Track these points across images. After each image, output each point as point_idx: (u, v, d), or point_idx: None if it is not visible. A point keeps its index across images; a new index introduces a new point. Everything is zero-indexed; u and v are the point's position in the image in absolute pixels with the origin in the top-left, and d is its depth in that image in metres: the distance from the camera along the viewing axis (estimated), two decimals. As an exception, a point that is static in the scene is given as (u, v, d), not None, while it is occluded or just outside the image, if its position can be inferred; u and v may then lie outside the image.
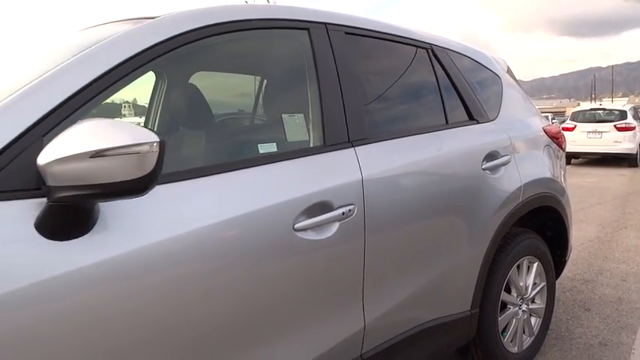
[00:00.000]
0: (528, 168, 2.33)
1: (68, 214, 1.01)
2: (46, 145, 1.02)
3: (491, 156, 2.12)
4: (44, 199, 1.01)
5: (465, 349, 2.25)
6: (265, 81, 1.67)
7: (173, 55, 1.31)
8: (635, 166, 11.52)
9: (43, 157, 0.96)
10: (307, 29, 1.67)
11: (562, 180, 2.63)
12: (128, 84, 1.23)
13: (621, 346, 2.67)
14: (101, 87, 1.17)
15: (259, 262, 1.32)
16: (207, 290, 1.22)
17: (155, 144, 0.95)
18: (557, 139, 2.69)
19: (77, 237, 1.03)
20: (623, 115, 11.77)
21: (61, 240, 1.01)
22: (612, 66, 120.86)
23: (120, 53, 1.22)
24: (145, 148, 0.94)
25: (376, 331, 1.67)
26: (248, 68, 1.63)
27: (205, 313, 1.22)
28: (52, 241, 1.01)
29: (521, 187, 2.23)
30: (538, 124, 2.61)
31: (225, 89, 1.71)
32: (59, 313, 1.01)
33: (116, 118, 1.02)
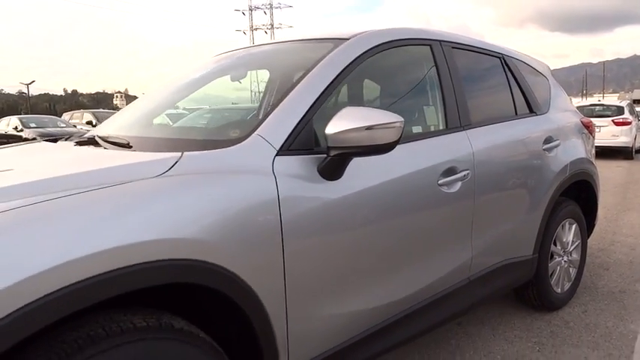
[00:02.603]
0: (572, 150, 3.01)
1: (337, 164, 1.66)
2: (314, 123, 1.69)
3: (547, 140, 2.80)
4: (316, 155, 1.66)
5: (522, 290, 2.94)
6: (410, 80, 2.34)
7: (367, 62, 1.96)
8: (631, 158, 12.32)
9: (330, 129, 1.60)
10: (430, 45, 2.33)
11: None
12: (346, 83, 1.88)
13: (636, 293, 3.38)
14: (330, 91, 1.82)
15: (421, 204, 1.99)
16: (400, 214, 1.90)
17: (402, 122, 1.60)
18: (588, 127, 3.38)
19: (337, 179, 1.68)
20: (620, 110, 12.54)
21: (331, 180, 1.67)
22: (603, 62, 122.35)
23: (339, 66, 1.87)
24: (398, 124, 1.59)
25: (478, 261, 2.35)
26: (402, 71, 2.29)
27: (395, 229, 1.89)
28: (327, 180, 1.66)
29: (567, 164, 2.91)
30: (576, 115, 3.30)
31: (388, 85, 2.37)
32: (333, 224, 1.66)
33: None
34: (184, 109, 2.50)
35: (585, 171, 3.13)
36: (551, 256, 2.97)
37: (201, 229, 1.35)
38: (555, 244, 2.99)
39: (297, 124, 1.67)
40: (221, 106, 2.55)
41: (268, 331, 1.51)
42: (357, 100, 2.22)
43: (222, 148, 1.55)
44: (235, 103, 2.80)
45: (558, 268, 3.04)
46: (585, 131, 3.32)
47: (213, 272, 1.37)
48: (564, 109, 3.21)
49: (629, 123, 12.21)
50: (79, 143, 1.94)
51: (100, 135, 1.98)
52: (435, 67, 2.31)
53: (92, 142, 1.93)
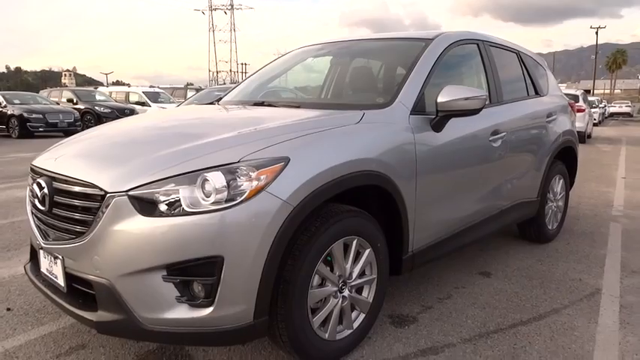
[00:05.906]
0: (562, 123, 4.07)
1: (442, 122, 2.59)
2: (426, 96, 2.62)
3: (549, 114, 3.84)
4: (427, 116, 2.59)
5: (525, 225, 3.99)
6: (467, 67, 3.31)
7: (449, 53, 2.90)
8: (584, 142, 13.87)
9: (440, 99, 2.52)
10: (477, 44, 3.30)
11: (575, 132, 4.40)
12: (435, 72, 2.80)
13: (601, 233, 4.52)
14: (431, 74, 2.74)
15: (481, 152, 2.97)
16: (471, 157, 2.86)
17: (486, 95, 2.55)
18: (572, 107, 4.46)
19: (440, 131, 2.62)
20: (575, 98, 14.03)
21: (437, 132, 2.60)
22: (553, 53, 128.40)
23: (433, 57, 2.80)
24: (484, 97, 2.54)
25: (507, 197, 3.36)
26: (463, 61, 3.24)
27: (469, 166, 2.86)
28: (435, 132, 2.59)
29: (560, 133, 3.97)
30: (564, 98, 4.37)
31: (455, 70, 3.30)
32: (439, 160, 2.60)
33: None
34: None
35: (571, 139, 4.21)
36: (547, 201, 4.03)
37: (380, 154, 2.27)
38: (549, 193, 4.06)
39: (417, 95, 2.60)
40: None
41: (406, 221, 2.44)
42: (442, 81, 3.17)
43: (380, 109, 2.47)
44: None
45: (550, 211, 4.11)
46: (570, 110, 4.40)
47: (386, 179, 2.28)
48: (557, 93, 4.27)
49: (583, 110, 13.73)
50: (255, 105, 2.80)
51: (267, 100, 2.86)
52: (480, 59, 3.28)
53: (262, 104, 2.80)
